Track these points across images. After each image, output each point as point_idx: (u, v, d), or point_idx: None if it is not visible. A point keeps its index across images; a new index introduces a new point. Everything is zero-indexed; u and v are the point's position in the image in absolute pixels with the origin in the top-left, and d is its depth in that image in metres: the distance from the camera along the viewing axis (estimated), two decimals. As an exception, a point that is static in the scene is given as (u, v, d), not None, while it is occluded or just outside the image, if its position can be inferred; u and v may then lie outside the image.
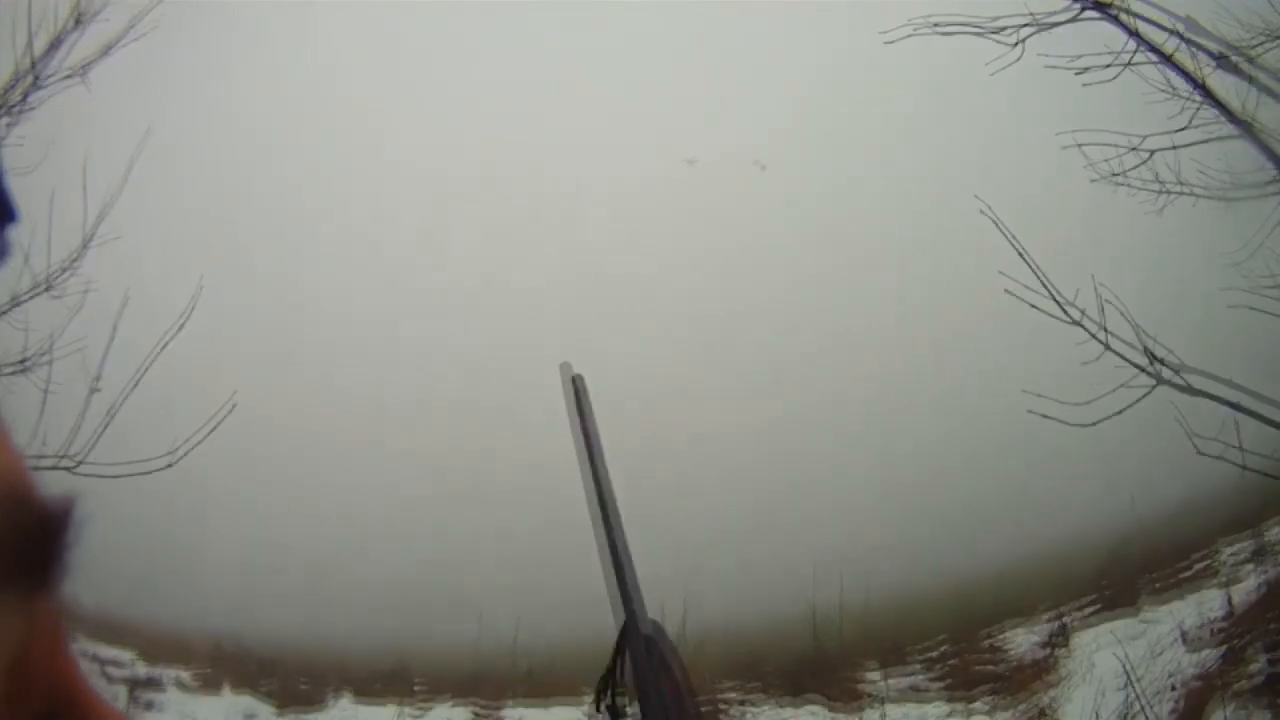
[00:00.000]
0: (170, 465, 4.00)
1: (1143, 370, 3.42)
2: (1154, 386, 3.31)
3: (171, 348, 4.21)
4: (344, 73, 4.99)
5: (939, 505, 6.20)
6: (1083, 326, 3.42)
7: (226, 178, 4.86)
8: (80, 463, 3.98)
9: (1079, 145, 4.36)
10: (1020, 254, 3.38)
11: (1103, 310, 3.48)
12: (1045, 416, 3.69)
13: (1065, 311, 3.42)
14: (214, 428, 3.99)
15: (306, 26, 5.02)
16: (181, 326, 4.00)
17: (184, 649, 6.83)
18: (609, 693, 0.94)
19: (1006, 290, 3.28)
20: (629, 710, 0.92)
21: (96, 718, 0.47)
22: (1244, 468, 4.36)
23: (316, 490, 6.17)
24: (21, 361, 4.43)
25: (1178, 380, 3.60)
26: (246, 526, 6.51)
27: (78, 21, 4.67)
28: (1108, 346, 3.40)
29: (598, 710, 0.95)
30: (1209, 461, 3.93)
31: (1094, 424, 3.64)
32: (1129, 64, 4.18)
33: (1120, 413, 3.36)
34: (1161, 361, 3.41)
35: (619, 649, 0.93)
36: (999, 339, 4.08)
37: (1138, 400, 3.34)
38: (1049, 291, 3.53)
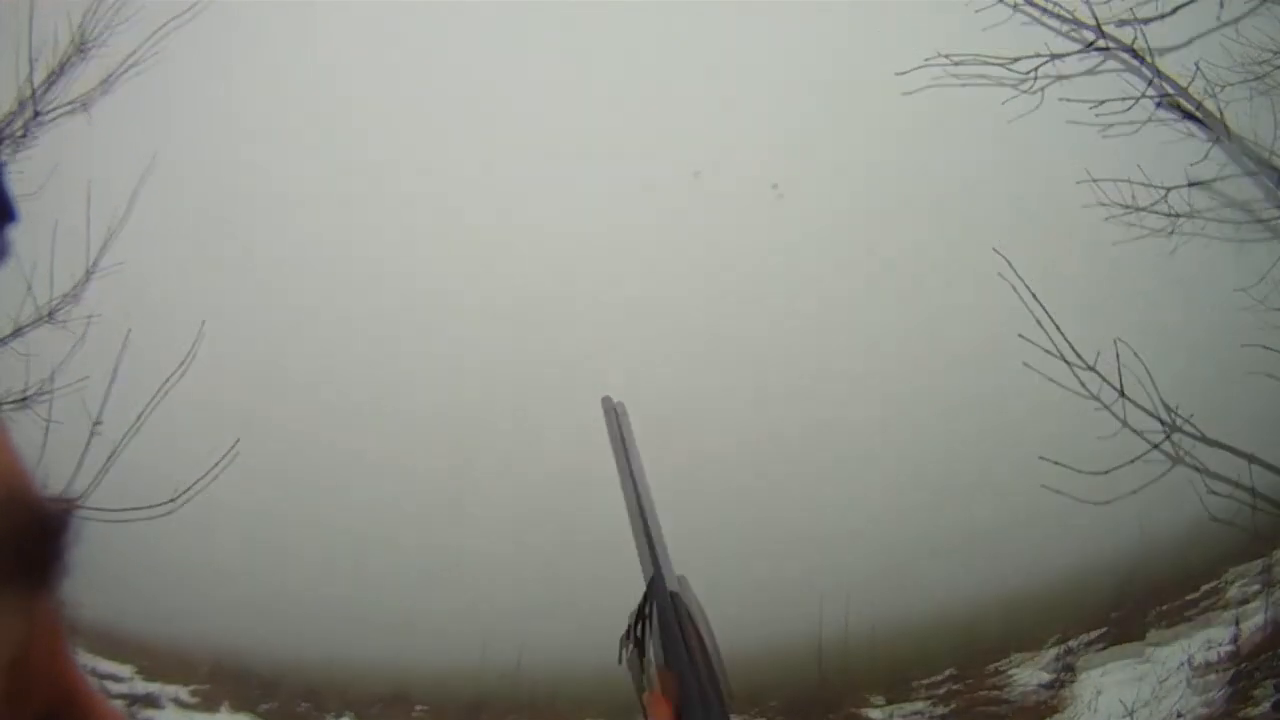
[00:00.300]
0: (171, 512, 3.95)
1: (1158, 447, 3.37)
2: (1171, 466, 3.28)
3: (175, 385, 4.16)
4: (360, 103, 4.93)
5: (945, 533, 6.16)
6: (1100, 400, 3.38)
7: (231, 207, 4.80)
8: (82, 505, 3.93)
9: (1093, 181, 4.31)
10: (1040, 321, 3.33)
11: (1120, 375, 3.42)
12: (1059, 492, 3.66)
13: (1084, 386, 3.38)
14: (217, 473, 3.93)
15: (320, 50, 4.96)
16: (184, 370, 3.94)
17: (184, 666, 6.79)
18: (633, 633, 1.00)
19: (1025, 364, 3.24)
20: (651, 652, 0.97)
21: (96, 718, 0.46)
22: (1254, 507, 4.33)
23: (320, 511, 6.13)
24: (23, 397, 4.38)
25: (1192, 429, 3.55)
26: (250, 543, 6.48)
27: (80, 49, 4.62)
28: (1124, 423, 3.36)
29: (623, 651, 1.01)
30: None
31: (1108, 501, 3.60)
32: (1152, 107, 4.12)
33: (1135, 492, 3.32)
34: (1179, 429, 3.35)
35: (646, 598, 0.99)
36: (1011, 383, 4.02)
37: (1155, 479, 3.31)
38: (1068, 348, 3.47)
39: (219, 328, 4.41)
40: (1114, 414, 3.41)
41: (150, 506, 3.94)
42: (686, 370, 6.52)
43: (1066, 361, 3.49)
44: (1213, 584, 6.70)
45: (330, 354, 5.91)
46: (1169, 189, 3.83)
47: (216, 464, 3.88)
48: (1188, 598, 6.64)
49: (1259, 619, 6.35)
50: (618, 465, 1.09)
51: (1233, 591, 6.62)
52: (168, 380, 3.81)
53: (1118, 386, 3.44)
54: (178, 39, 4.68)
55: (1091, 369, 3.47)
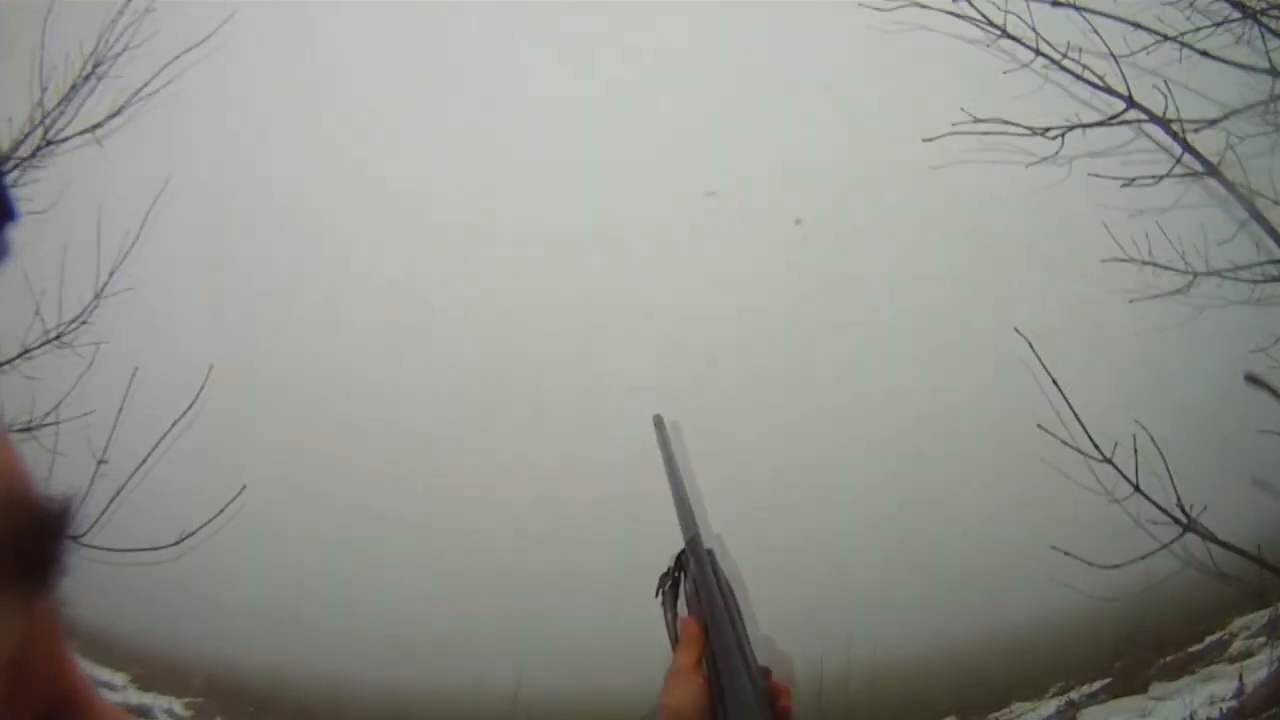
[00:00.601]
0: (178, 556, 3.95)
1: (1168, 547, 3.33)
2: (1183, 566, 3.24)
3: (182, 423, 4.15)
4: (377, 130, 4.88)
5: (948, 574, 6.11)
6: (1114, 496, 3.32)
7: (245, 237, 4.76)
8: (86, 544, 3.93)
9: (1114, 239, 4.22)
10: (1057, 409, 3.26)
11: (1137, 466, 3.36)
12: (1068, 553, 3.61)
13: (1099, 479, 3.32)
14: (220, 519, 3.92)
15: (338, 85, 4.90)
16: (192, 414, 3.92)
17: (179, 677, 6.80)
18: (671, 575, 1.22)
19: (1042, 459, 3.19)
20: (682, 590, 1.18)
21: (96, 716, 0.46)
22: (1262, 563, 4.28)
23: (320, 529, 6.13)
24: (28, 425, 4.38)
25: (1204, 529, 3.50)
26: (249, 556, 6.48)
27: (91, 75, 4.56)
28: (1138, 521, 3.31)
29: (661, 589, 1.24)
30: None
31: (1118, 565, 3.55)
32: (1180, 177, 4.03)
33: (1151, 586, 3.27)
34: (1192, 528, 3.30)
35: (684, 552, 1.20)
36: (1026, 468, 3.96)
37: (1168, 576, 3.26)
38: (1085, 439, 3.41)
39: (227, 363, 4.39)
40: (1127, 512, 3.36)
41: (153, 549, 3.94)
42: (710, 400, 6.46)
43: (1082, 453, 3.43)
44: (1218, 635, 6.64)
45: (333, 368, 5.89)
46: (1195, 274, 3.74)
47: (221, 510, 3.87)
48: (1192, 649, 6.58)
49: (1263, 673, 6.31)
50: (665, 462, 1.30)
51: (1237, 644, 6.56)
52: (175, 424, 3.79)
53: (1134, 482, 3.38)
54: (194, 66, 4.63)
55: (1108, 461, 3.41)
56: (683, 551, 1.23)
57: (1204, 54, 4.40)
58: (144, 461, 3.78)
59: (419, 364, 6.33)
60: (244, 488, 3.75)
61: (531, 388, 6.16)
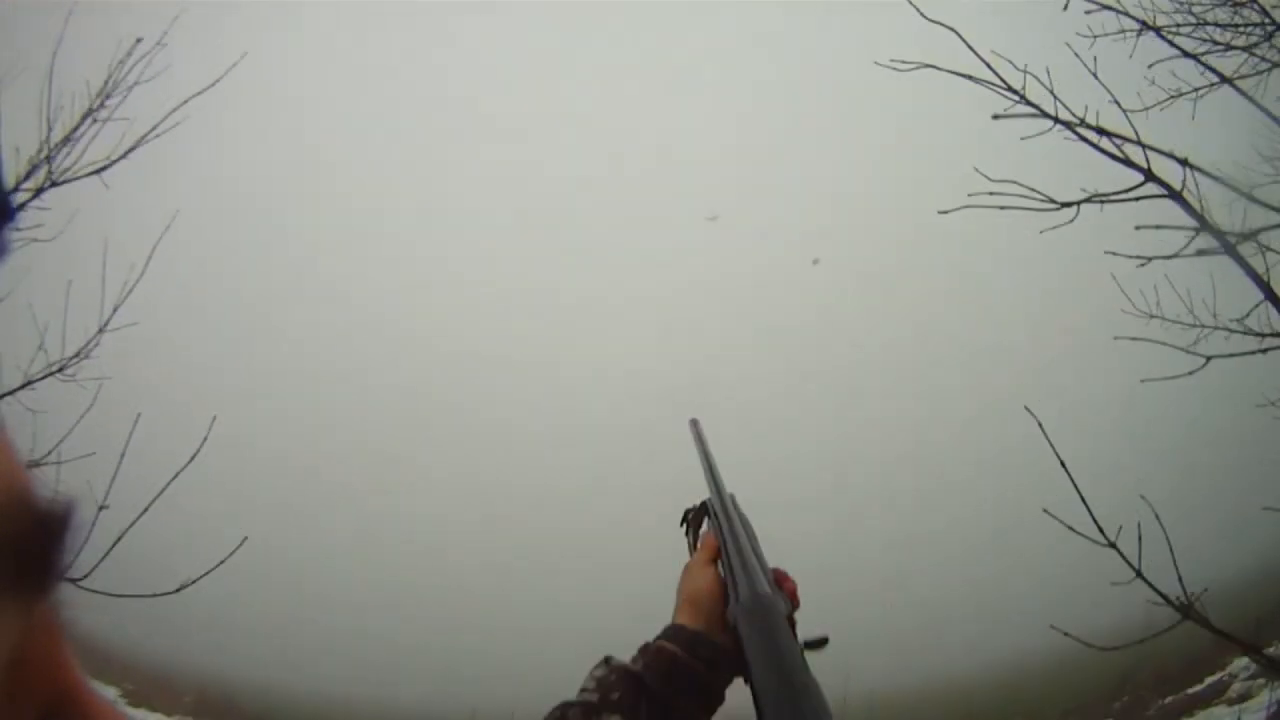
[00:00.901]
0: (178, 591, 3.95)
1: (1169, 631, 3.32)
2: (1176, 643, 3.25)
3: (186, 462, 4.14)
4: (389, 180, 4.85)
5: (947, 609, 6.13)
6: (1119, 584, 3.33)
7: (250, 274, 4.74)
8: (84, 585, 3.93)
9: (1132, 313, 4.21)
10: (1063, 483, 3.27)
11: (1140, 548, 3.35)
12: (1067, 634, 3.61)
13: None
14: (223, 564, 3.92)
15: (346, 123, 4.86)
16: (194, 459, 3.90)
17: (171, 694, 6.79)
18: (695, 511, 1.39)
19: (1049, 545, 3.17)
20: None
21: (96, 716, 0.47)
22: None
23: (319, 554, 6.13)
24: (29, 462, 4.34)
25: (1201, 614, 3.50)
26: (247, 574, 6.45)
27: (101, 104, 4.51)
28: (1140, 603, 3.30)
29: (686, 520, 1.41)
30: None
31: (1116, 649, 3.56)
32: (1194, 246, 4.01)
33: (1143, 642, 3.31)
34: (1190, 615, 3.30)
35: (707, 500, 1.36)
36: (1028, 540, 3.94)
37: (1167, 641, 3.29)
38: (1090, 523, 3.40)
39: (233, 408, 4.36)
40: (1131, 592, 3.36)
41: (152, 595, 3.93)
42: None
43: (1087, 538, 3.42)
44: (1218, 675, 6.64)
45: (334, 386, 5.87)
46: (1209, 358, 3.72)
47: (222, 561, 3.86)
48: (1191, 690, 6.59)
49: (1261, 715, 6.31)
50: (701, 458, 1.44)
51: (1236, 686, 6.56)
52: (176, 475, 3.77)
53: (1136, 568, 3.36)
54: (204, 102, 4.58)
55: (1112, 545, 3.39)
56: (706, 500, 1.38)
57: (1222, 79, 4.39)
58: (145, 511, 3.76)
59: (425, 404, 6.32)
60: (245, 539, 3.73)
61: (523, 428, 6.16)
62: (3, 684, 0.39)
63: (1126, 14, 4.22)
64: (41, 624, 0.42)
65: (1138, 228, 3.90)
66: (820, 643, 1.13)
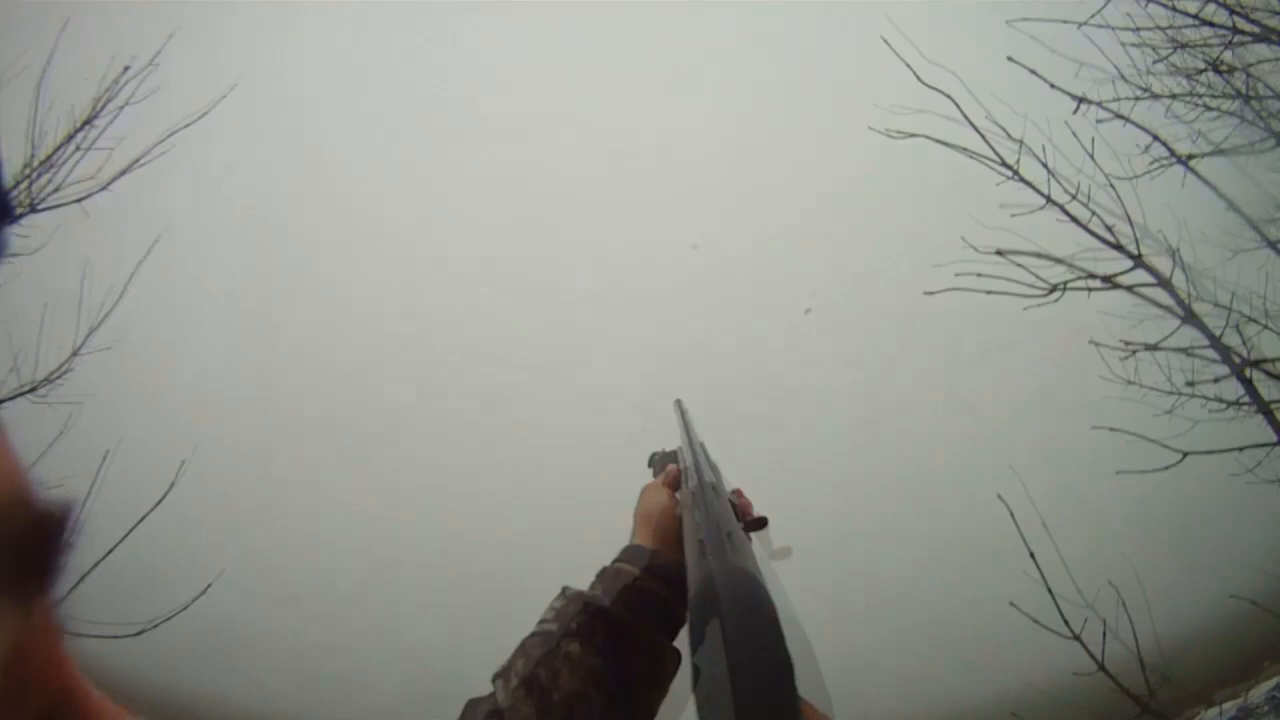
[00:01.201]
0: (141, 633, 3.92)
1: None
2: None
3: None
4: (389, 180, 4.81)
5: (948, 643, 6.14)
6: (1082, 675, 3.35)
7: (228, 299, 4.69)
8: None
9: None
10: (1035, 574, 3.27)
11: (1105, 640, 3.38)
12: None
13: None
14: (193, 600, 3.90)
15: (345, 123, 4.81)
16: (164, 498, 3.88)
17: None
18: (661, 456, 1.52)
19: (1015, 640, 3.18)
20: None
21: (96, 716, 0.47)
22: None
23: (315, 569, 6.10)
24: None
25: (1159, 709, 3.54)
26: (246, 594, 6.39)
27: (85, 126, 4.45)
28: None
29: (652, 459, 1.55)
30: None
31: None
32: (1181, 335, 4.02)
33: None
34: (1150, 710, 3.33)
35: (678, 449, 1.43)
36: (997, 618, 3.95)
37: None
38: (1056, 617, 3.42)
39: (233, 417, 4.32)
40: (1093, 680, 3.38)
41: (116, 637, 3.90)
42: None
43: (1054, 631, 3.43)
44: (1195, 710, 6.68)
45: (333, 390, 5.82)
46: (1185, 454, 3.72)
47: (188, 605, 3.84)
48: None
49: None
50: (685, 434, 1.43)
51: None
52: (143, 517, 3.74)
53: (1099, 661, 3.39)
54: (189, 129, 4.53)
55: (1076, 638, 3.42)
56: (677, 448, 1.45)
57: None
58: (110, 552, 3.73)
59: (425, 405, 6.25)
60: (208, 586, 3.71)
61: (520, 442, 6.10)
62: (2, 684, 0.39)
63: (1141, 127, 4.20)
64: (41, 624, 0.42)
65: (1123, 319, 3.90)
66: (760, 523, 1.18)
